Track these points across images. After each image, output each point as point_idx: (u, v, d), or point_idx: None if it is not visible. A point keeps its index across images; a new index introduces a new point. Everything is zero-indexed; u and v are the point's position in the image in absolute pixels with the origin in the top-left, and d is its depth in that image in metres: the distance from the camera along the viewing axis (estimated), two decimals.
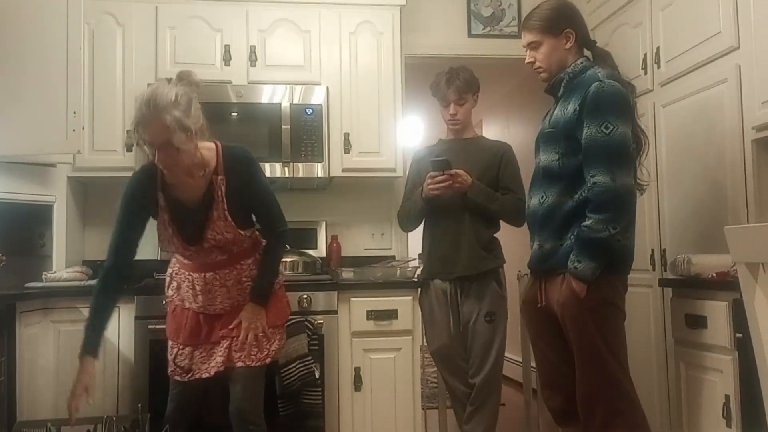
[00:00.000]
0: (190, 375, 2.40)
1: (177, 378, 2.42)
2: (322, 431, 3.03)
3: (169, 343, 2.47)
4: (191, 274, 2.42)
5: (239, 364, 2.36)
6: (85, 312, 2.90)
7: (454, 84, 2.95)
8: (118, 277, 2.35)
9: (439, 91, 3.00)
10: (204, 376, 2.37)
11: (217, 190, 2.30)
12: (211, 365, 2.37)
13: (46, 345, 2.90)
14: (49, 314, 2.92)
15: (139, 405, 2.60)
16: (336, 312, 3.11)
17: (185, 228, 2.34)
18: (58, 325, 2.94)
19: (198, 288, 2.40)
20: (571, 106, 2.33)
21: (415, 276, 3.20)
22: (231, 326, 2.38)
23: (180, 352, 2.42)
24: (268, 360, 2.43)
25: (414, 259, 3.37)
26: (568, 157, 2.34)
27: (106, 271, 2.34)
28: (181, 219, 2.33)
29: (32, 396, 2.77)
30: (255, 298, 2.41)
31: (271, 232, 2.45)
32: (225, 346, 2.37)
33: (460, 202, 2.90)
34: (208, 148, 2.32)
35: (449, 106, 2.98)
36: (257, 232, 2.48)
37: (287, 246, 2.56)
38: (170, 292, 2.52)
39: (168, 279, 2.54)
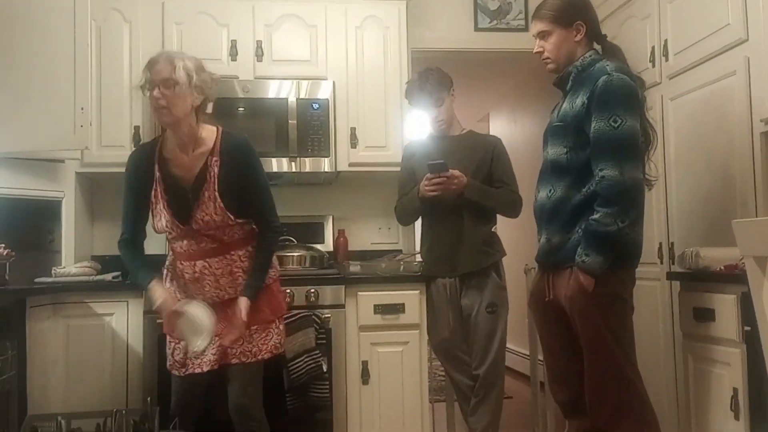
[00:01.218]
0: (185, 369, 2.42)
1: (175, 372, 2.45)
2: (330, 424, 3.05)
3: (167, 337, 2.49)
4: (182, 263, 2.44)
5: (234, 361, 2.38)
6: (95, 307, 2.97)
7: (426, 89, 2.99)
8: (137, 242, 2.48)
9: (414, 99, 3.05)
10: (197, 371, 2.39)
11: (210, 170, 2.35)
12: (204, 360, 2.38)
13: (56, 340, 2.92)
14: (58, 309, 2.94)
15: (148, 399, 2.62)
16: (343, 306, 3.12)
17: (176, 204, 2.37)
18: (68, 320, 2.96)
19: (187, 276, 2.42)
20: (580, 100, 2.33)
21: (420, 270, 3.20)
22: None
23: (176, 346, 2.44)
24: (266, 356, 2.44)
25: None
26: (576, 151, 2.33)
27: (125, 242, 2.46)
28: (173, 194, 2.37)
29: (42, 390, 2.79)
30: (245, 293, 2.39)
31: (264, 227, 2.47)
32: (216, 344, 2.37)
33: (458, 200, 2.94)
34: (208, 130, 2.42)
35: (428, 109, 3.02)
36: (252, 225, 2.48)
37: (279, 242, 2.57)
38: (167, 285, 2.54)
39: (165, 273, 2.57)
